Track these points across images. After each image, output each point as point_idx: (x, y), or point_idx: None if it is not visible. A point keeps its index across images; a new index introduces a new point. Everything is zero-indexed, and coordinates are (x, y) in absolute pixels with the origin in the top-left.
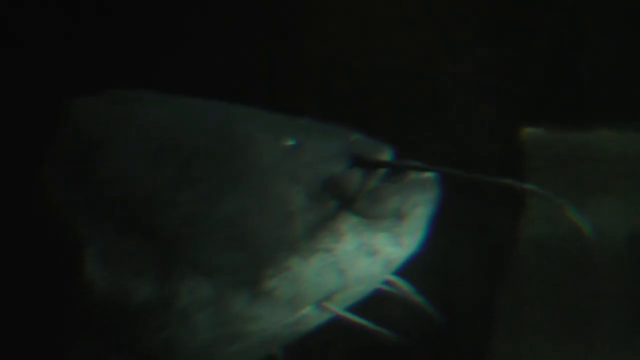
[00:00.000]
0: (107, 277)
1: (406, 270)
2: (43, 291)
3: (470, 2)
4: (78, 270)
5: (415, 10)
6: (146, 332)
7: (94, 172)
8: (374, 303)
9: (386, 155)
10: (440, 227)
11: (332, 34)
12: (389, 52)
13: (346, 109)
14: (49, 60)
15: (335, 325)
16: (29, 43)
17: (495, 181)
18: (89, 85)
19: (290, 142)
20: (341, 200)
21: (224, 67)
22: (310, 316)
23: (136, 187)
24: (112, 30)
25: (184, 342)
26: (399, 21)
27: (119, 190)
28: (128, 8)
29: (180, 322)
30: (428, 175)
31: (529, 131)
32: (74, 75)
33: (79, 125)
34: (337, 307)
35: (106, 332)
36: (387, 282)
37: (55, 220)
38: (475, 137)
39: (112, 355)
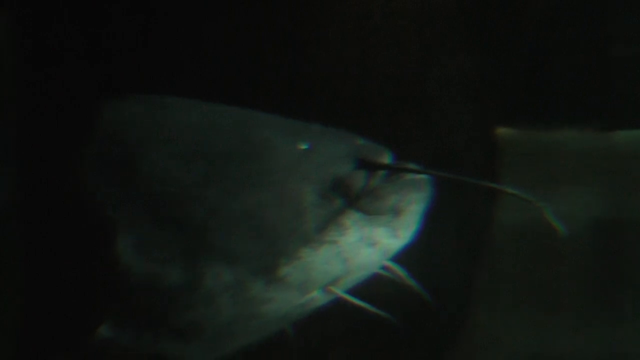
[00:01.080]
0: (142, 263)
1: (401, 256)
2: (86, 273)
3: (454, 19)
4: (116, 256)
5: (406, 24)
6: (176, 311)
7: (131, 170)
8: (372, 286)
9: (386, 158)
10: (429, 216)
11: (334, 45)
12: (382, 61)
13: (344, 111)
14: (83, 68)
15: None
16: (67, 57)
17: (480, 183)
18: (118, 90)
19: (304, 146)
20: (346, 198)
21: (236, 75)
22: (317, 298)
23: (169, 184)
24: (138, 40)
25: (208, 319)
26: (392, 35)
27: (154, 187)
28: (152, 23)
29: (205, 302)
30: (421, 176)
31: (503, 131)
32: (104, 80)
33: (113, 126)
34: (340, 290)
35: (141, 309)
36: (384, 268)
37: (94, 212)
38: (456, 136)
39: (146, 330)
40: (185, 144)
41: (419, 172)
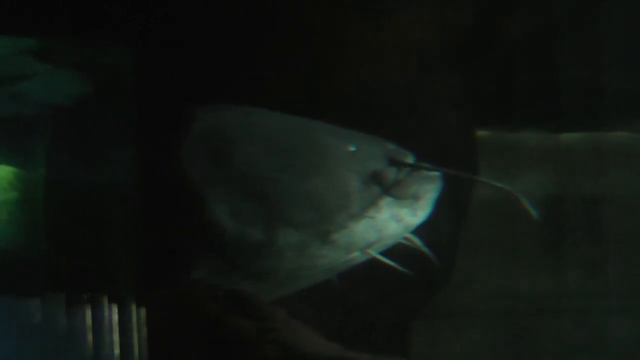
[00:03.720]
0: (234, 226)
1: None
2: (187, 232)
3: (444, 48)
4: (214, 221)
5: (408, 53)
6: (256, 260)
7: (228, 159)
8: (396, 250)
9: (409, 158)
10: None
11: (353, 66)
12: (392, 81)
13: (369, 118)
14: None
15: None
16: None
17: (473, 178)
18: (210, 99)
19: (353, 148)
20: (381, 187)
21: (300, 93)
22: (357, 257)
23: (255, 169)
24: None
25: (278, 267)
26: (399, 61)
27: (244, 171)
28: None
29: (277, 255)
30: (434, 172)
31: (480, 132)
32: (198, 92)
33: (210, 126)
34: (374, 252)
35: (230, 258)
36: (405, 238)
37: (194, 188)
38: (446, 136)
39: (232, 272)
40: (267, 141)
41: (432, 169)
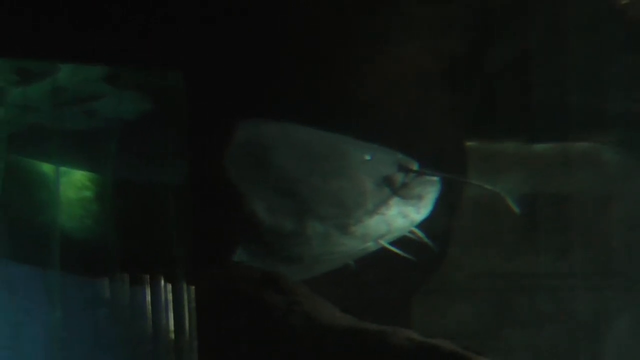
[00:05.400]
0: (269, 218)
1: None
2: (229, 223)
3: (442, 73)
4: (250, 214)
5: (412, 78)
6: (287, 247)
7: (266, 162)
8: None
9: (414, 165)
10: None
11: (367, 89)
12: (399, 101)
13: (369, 131)
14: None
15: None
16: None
17: (467, 181)
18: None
19: (368, 157)
20: (391, 188)
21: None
22: (371, 246)
23: (287, 173)
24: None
25: (305, 253)
26: (399, 77)
27: (278, 174)
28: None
29: (305, 243)
30: (435, 177)
31: (469, 143)
32: (240, 108)
33: (250, 137)
34: (384, 242)
35: (266, 245)
36: (410, 231)
37: (237, 188)
38: (443, 145)
39: (267, 256)
40: (298, 149)
41: (432, 175)
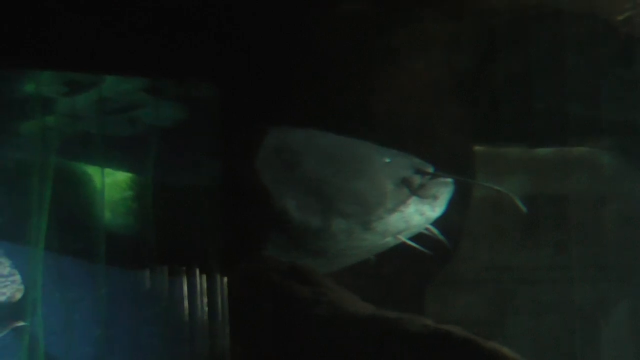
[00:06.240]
0: (297, 215)
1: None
2: (259, 221)
3: (452, 84)
4: (283, 212)
5: (425, 89)
6: (313, 242)
7: (296, 165)
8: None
9: (429, 168)
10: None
11: (385, 99)
12: (413, 110)
13: (389, 137)
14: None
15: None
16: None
17: (477, 182)
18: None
19: (388, 160)
20: (409, 189)
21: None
22: (390, 241)
23: (314, 174)
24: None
25: (330, 247)
26: (419, 95)
27: (306, 175)
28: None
29: (330, 238)
30: (448, 179)
31: (475, 147)
32: (269, 116)
33: (280, 142)
34: (403, 237)
35: (294, 239)
36: (426, 228)
37: (267, 188)
38: (453, 150)
39: (295, 250)
40: (324, 153)
41: (446, 176)
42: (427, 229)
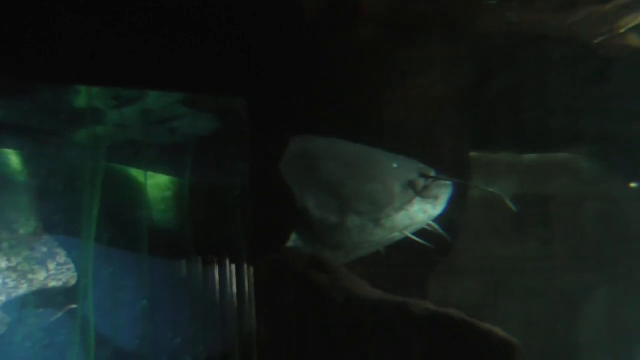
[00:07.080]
0: (317, 212)
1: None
2: (283, 217)
3: (451, 99)
4: (304, 209)
5: (427, 103)
6: (331, 236)
7: (315, 169)
8: (422, 232)
9: (432, 172)
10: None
11: (393, 111)
12: (416, 122)
13: (396, 145)
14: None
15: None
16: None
17: (473, 184)
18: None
19: (395, 165)
20: (414, 190)
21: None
22: (397, 235)
23: (332, 176)
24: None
25: (346, 241)
26: (421, 108)
27: (325, 178)
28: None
29: (345, 233)
30: (448, 181)
31: (472, 153)
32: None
33: (302, 148)
34: (408, 232)
35: (313, 233)
36: (428, 224)
37: (290, 189)
38: (451, 156)
39: (315, 243)
40: (340, 158)
41: (446, 179)
42: (429, 225)
